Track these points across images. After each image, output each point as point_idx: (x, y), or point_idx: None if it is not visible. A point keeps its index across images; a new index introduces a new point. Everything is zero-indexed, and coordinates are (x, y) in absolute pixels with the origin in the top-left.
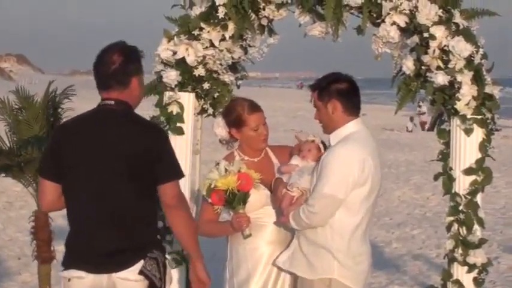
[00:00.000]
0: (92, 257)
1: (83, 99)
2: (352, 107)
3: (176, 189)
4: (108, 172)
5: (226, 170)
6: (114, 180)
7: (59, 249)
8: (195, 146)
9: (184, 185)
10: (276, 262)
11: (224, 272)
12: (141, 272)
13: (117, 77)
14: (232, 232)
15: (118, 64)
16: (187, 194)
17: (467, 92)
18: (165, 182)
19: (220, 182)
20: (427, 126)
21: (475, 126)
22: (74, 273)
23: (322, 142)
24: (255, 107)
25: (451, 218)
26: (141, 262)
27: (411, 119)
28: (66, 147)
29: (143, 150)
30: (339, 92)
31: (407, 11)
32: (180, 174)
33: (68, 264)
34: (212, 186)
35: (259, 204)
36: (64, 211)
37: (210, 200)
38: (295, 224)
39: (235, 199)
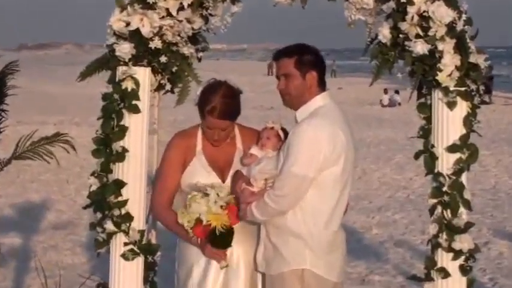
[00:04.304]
0: None
1: (32, 78)
2: (324, 80)
3: None
4: None
5: (215, 202)
6: None
7: (5, 241)
8: (151, 126)
9: (141, 167)
10: (257, 267)
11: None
12: None
13: None
14: (197, 245)
15: None
16: (143, 176)
17: (449, 61)
18: None
19: (211, 217)
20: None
21: (458, 99)
22: None
23: (283, 129)
24: (216, 111)
25: (434, 200)
26: None
27: (385, 91)
28: None
29: None
30: (316, 63)
31: None
32: None
33: None
34: (204, 223)
35: None
36: None
37: (190, 231)
38: (260, 214)
39: (223, 240)
